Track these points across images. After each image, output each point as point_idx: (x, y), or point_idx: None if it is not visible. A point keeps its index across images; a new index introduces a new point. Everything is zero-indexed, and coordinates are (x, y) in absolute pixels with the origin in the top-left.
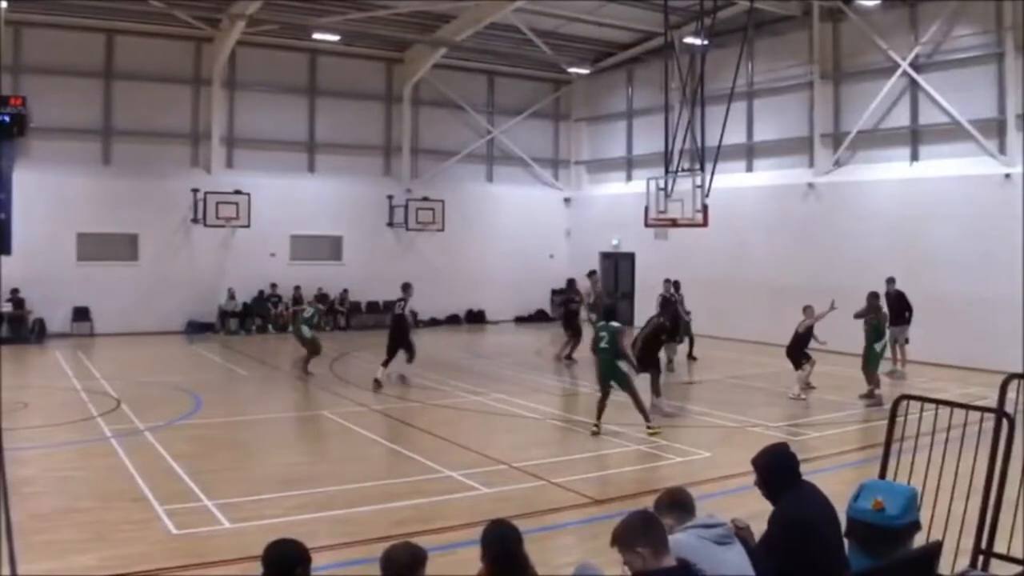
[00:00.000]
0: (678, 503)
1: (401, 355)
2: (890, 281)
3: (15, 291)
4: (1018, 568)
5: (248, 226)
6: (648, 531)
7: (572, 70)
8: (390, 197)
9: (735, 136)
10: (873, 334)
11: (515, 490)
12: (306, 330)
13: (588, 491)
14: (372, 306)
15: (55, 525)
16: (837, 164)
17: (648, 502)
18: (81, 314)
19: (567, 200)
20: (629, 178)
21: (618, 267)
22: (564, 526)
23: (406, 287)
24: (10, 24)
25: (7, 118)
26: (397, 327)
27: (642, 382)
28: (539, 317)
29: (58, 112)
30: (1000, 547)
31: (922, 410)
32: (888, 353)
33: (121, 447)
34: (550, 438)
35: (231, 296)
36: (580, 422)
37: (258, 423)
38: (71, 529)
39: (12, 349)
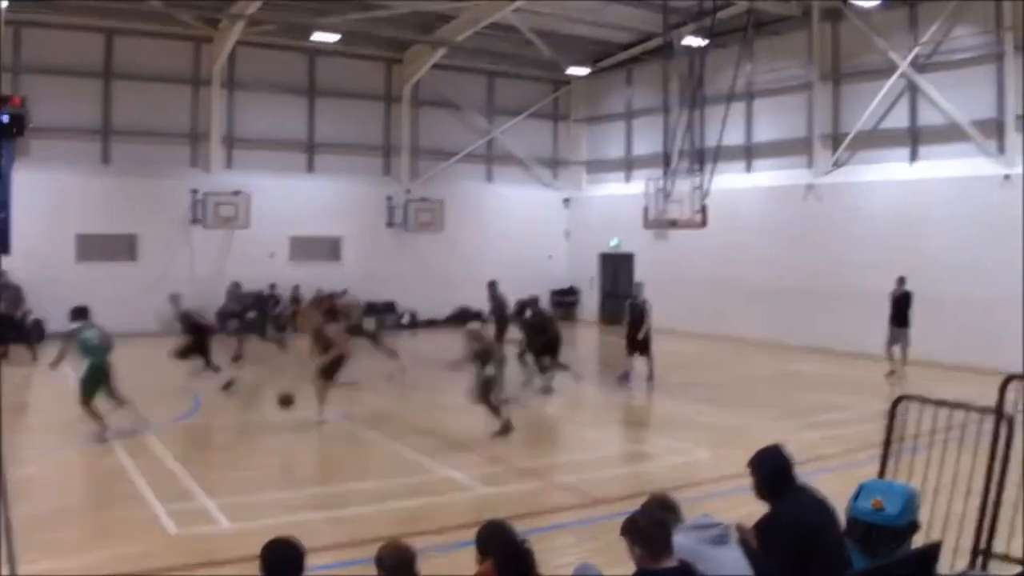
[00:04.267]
0: (665, 508)
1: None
2: (900, 281)
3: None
4: (1017, 568)
5: (247, 227)
6: (649, 533)
7: (571, 71)
8: (389, 197)
9: (734, 137)
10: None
11: (515, 490)
12: (85, 367)
13: (588, 491)
14: (371, 307)
15: (55, 525)
16: (836, 165)
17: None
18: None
19: (566, 200)
20: (628, 179)
21: (617, 268)
22: (564, 526)
23: (640, 286)
24: (9, 24)
25: (6, 118)
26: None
27: None
28: None
29: (57, 112)
30: (999, 547)
31: (921, 410)
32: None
33: (121, 447)
34: (550, 438)
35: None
36: (580, 422)
37: (258, 423)
38: (71, 529)
39: (11, 349)
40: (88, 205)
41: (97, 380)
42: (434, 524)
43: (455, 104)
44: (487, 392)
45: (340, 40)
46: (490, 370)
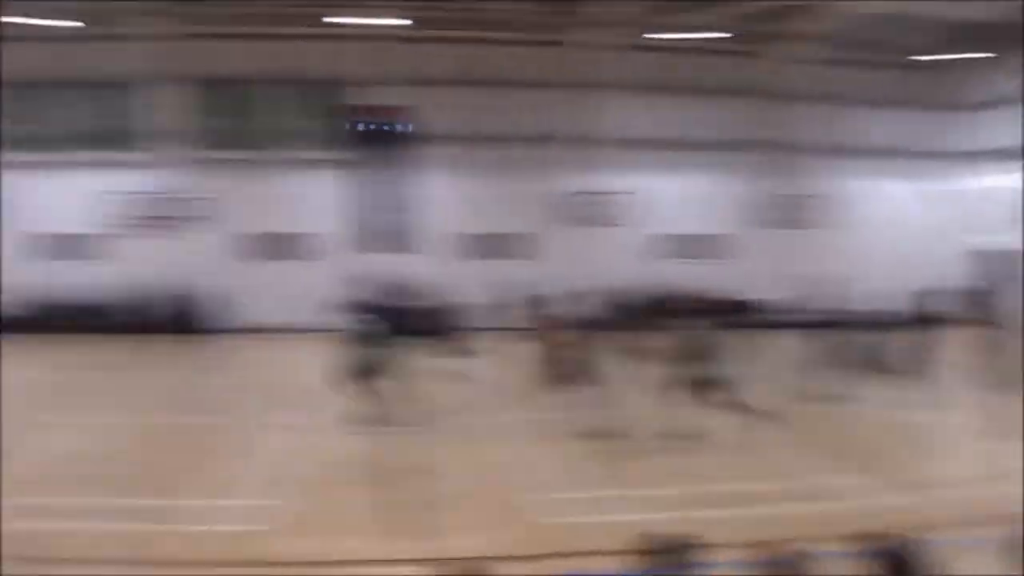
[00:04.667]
0: None
1: None
2: None
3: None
4: None
5: (624, 225)
6: None
7: (948, 56)
8: (765, 193)
9: None
10: None
11: (901, 503)
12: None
13: (991, 507)
14: (739, 305)
15: (439, 508)
16: None
17: None
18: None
19: (956, 194)
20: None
21: (1008, 267)
22: (962, 544)
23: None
24: (406, 41)
25: (407, 127)
26: None
27: None
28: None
29: (450, 120)
30: None
31: None
32: None
33: (507, 435)
34: (943, 450)
35: (606, 296)
36: (977, 432)
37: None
38: (453, 512)
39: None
40: (477, 206)
41: (380, 367)
42: (815, 531)
43: (832, 97)
44: (707, 391)
45: (704, 37)
46: (707, 369)
